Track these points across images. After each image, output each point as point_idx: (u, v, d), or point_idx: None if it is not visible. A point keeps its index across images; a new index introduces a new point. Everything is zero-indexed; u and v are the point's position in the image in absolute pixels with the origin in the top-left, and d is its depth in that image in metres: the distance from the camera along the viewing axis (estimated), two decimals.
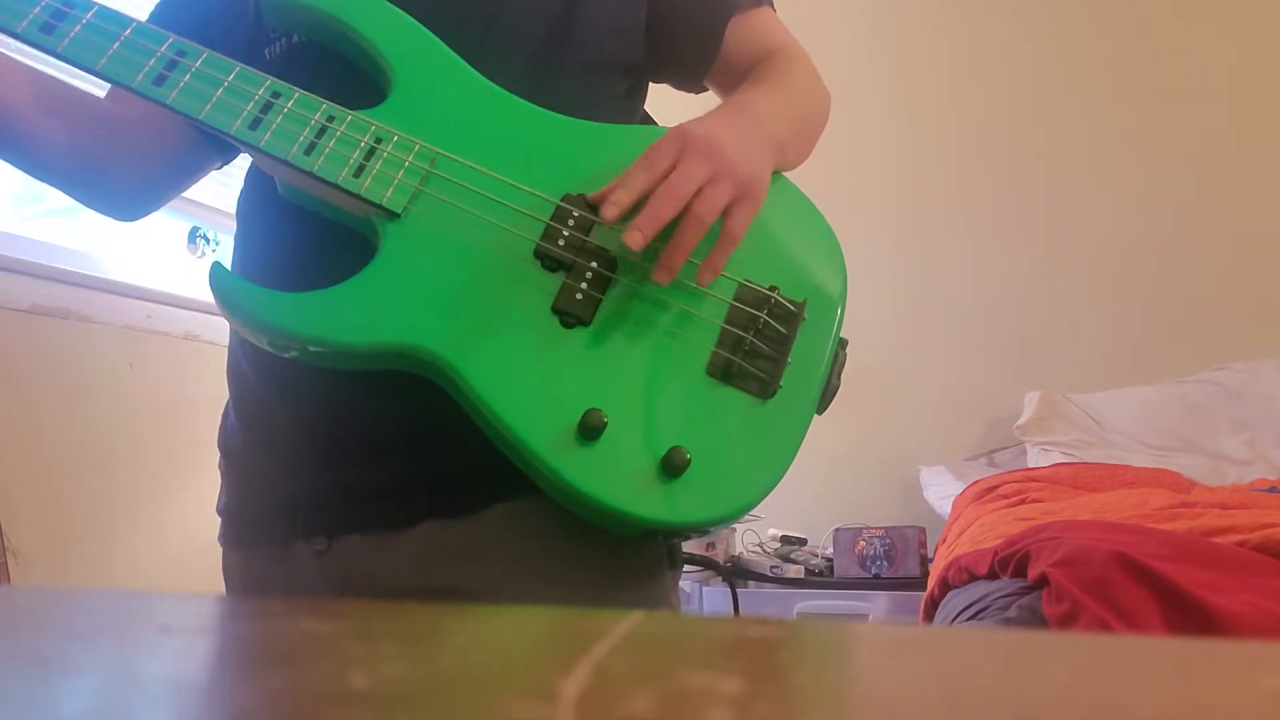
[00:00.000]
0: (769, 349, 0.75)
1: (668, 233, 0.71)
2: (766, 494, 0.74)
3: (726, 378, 0.74)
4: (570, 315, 0.73)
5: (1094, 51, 2.77)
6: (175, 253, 1.93)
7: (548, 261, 0.74)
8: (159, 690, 0.24)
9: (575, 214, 0.75)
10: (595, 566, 0.77)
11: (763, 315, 0.76)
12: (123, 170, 0.88)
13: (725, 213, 0.73)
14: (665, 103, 0.97)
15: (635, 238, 0.70)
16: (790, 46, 0.93)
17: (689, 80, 0.94)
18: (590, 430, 0.69)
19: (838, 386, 0.79)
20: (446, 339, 0.71)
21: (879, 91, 2.84)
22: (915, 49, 2.91)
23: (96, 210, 0.90)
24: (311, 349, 0.71)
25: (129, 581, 1.57)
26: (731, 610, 0.89)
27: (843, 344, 0.80)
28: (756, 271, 0.78)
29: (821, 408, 0.78)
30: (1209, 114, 2.66)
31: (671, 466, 0.70)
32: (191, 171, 0.93)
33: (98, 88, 0.83)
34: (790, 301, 0.77)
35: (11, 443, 1.41)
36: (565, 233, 0.74)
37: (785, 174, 0.85)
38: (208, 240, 1.96)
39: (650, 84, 0.94)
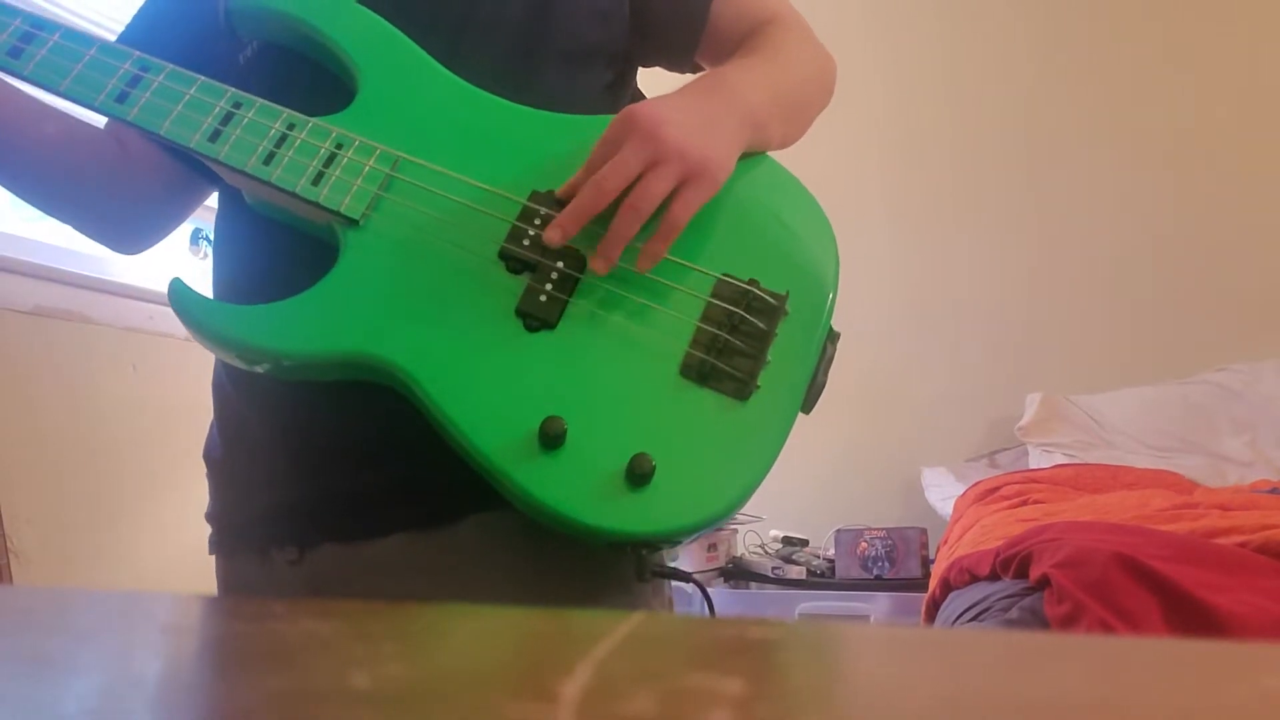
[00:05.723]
0: (745, 346, 0.70)
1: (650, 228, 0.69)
2: (743, 500, 0.70)
3: (701, 379, 0.70)
4: (534, 318, 0.70)
5: (1096, 51, 2.77)
6: (178, 254, 1.93)
7: (512, 263, 0.71)
8: (159, 690, 0.24)
9: (542, 212, 0.72)
10: (568, 581, 0.75)
11: (739, 310, 0.71)
12: (122, 206, 0.89)
13: (672, 196, 0.69)
14: (660, 83, 0.95)
15: (553, 235, 0.69)
16: (784, 15, 0.88)
17: (678, 62, 0.90)
18: (550, 438, 0.66)
19: (824, 384, 0.74)
20: (402, 346, 0.69)
21: (880, 88, 2.84)
22: (916, 45, 2.91)
23: (98, 242, 0.91)
24: (284, 362, 0.70)
25: (129, 581, 1.57)
26: (710, 613, 0.84)
27: (833, 338, 0.74)
28: (737, 264, 0.73)
29: (807, 407, 0.73)
30: (1210, 114, 2.66)
31: (635, 475, 0.66)
32: (187, 206, 0.93)
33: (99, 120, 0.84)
34: (770, 295, 0.72)
35: (14, 443, 1.41)
36: (531, 232, 0.71)
37: (775, 153, 0.80)
38: (209, 241, 1.96)
39: (640, 68, 0.91)
